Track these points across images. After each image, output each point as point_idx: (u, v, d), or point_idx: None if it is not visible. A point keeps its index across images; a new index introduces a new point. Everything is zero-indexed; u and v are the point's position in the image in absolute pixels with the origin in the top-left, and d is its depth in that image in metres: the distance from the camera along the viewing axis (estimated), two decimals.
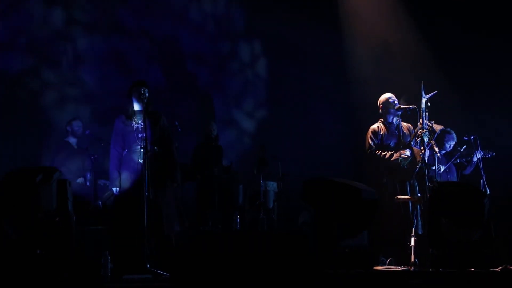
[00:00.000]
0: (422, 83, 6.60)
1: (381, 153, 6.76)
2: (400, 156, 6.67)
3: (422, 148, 6.50)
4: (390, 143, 6.86)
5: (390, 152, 6.75)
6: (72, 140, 8.23)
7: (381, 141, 6.86)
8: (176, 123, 8.11)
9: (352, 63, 9.25)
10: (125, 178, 6.19)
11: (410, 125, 6.99)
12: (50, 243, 4.89)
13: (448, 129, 7.66)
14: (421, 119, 6.56)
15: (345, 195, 5.58)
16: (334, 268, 5.42)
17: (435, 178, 6.58)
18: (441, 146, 7.47)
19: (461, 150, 7.81)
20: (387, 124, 6.93)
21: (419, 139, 6.58)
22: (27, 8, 8.91)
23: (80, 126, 8.20)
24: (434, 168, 6.74)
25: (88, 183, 7.98)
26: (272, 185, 8.51)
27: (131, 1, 9.36)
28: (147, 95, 6.22)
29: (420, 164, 6.51)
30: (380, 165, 6.77)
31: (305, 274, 5.37)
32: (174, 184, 6.35)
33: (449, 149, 7.73)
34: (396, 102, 6.95)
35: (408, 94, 7.45)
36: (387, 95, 7.01)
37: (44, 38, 8.99)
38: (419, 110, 6.57)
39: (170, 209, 6.28)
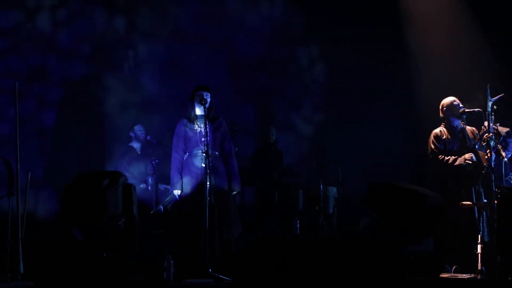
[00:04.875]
0: (487, 86, 6.43)
1: (444, 157, 6.62)
2: (465, 161, 6.51)
3: (488, 152, 6.32)
4: (453, 147, 6.71)
5: (454, 157, 6.60)
6: (136, 145, 8.38)
7: (444, 146, 6.71)
8: (236, 128, 8.16)
9: (413, 65, 9.08)
10: (186, 183, 6.25)
11: (474, 128, 6.82)
12: (115, 246, 4.96)
13: None
14: (486, 122, 6.38)
15: (410, 200, 5.48)
16: (399, 274, 5.33)
17: (503, 183, 6.39)
18: (505, 149, 7.27)
19: None
20: (450, 128, 6.78)
21: (485, 143, 6.40)
22: (90, 16, 9.13)
23: (143, 131, 8.34)
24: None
25: (149, 188, 8.09)
26: (332, 190, 8.45)
27: (190, 8, 9.46)
28: (209, 99, 6.27)
29: (486, 168, 6.34)
30: (444, 170, 6.62)
31: (369, 281, 5.30)
32: (234, 191, 6.37)
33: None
34: (460, 105, 6.79)
35: (471, 97, 7.28)
36: (450, 99, 6.85)
37: (106, 45, 9.20)
38: (485, 113, 6.40)
39: (230, 214, 6.29)
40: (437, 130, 6.80)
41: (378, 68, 9.42)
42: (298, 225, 7.71)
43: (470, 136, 6.75)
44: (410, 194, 5.54)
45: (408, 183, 5.90)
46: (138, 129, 8.35)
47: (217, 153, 6.31)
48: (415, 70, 9.08)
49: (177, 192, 6.25)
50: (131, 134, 8.38)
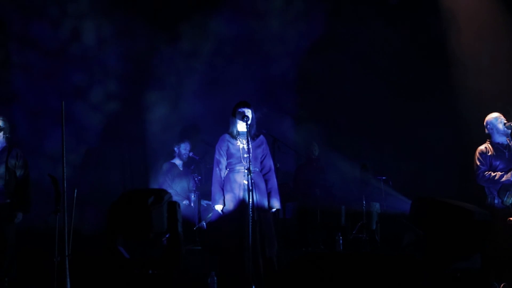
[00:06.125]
0: None
1: (490, 173, 6.53)
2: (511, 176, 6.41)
3: None
4: (499, 163, 6.61)
5: (500, 173, 6.51)
6: (178, 162, 8.46)
7: (490, 162, 6.62)
8: (277, 144, 8.17)
9: (459, 76, 8.94)
10: (228, 199, 6.25)
11: None
12: (161, 263, 5.00)
13: None
14: None
15: (456, 216, 5.39)
16: None
17: None
18: None
19: None
20: (495, 144, 6.69)
21: None
22: (133, 35, 9.28)
23: (188, 150, 8.41)
24: None
25: (192, 204, 8.15)
26: (375, 206, 8.39)
27: (230, 24, 9.52)
28: (250, 116, 6.28)
29: None
30: (491, 186, 6.54)
31: None
32: (274, 208, 6.35)
33: None
34: (505, 121, 6.69)
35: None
36: (494, 115, 6.76)
37: (148, 62, 9.33)
38: None
39: (270, 231, 6.28)
40: (482, 147, 6.72)
41: (422, 81, 9.33)
42: (341, 241, 7.67)
43: None
44: (456, 210, 5.45)
45: (453, 199, 5.80)
46: (184, 147, 8.42)
47: (257, 169, 6.30)
48: (460, 83, 8.95)
49: (219, 207, 6.25)
50: (175, 149, 8.46)
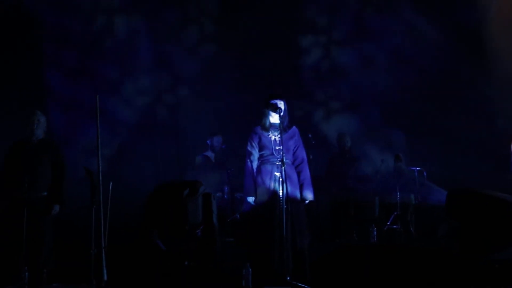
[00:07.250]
0: None
1: None
2: None
3: None
4: None
5: None
6: (211, 155, 8.51)
7: None
8: (310, 135, 8.14)
9: (494, 65, 8.80)
10: (261, 191, 6.23)
11: None
12: (196, 255, 5.03)
13: None
14: None
15: (493, 207, 5.32)
16: (482, 284, 5.18)
17: None
18: None
19: None
20: None
21: None
22: (162, 28, 9.34)
23: (220, 142, 8.46)
24: None
25: (225, 196, 8.18)
26: (410, 197, 8.32)
27: (261, 15, 9.48)
28: (283, 107, 6.25)
29: None
30: None
31: None
32: (307, 199, 6.32)
33: None
34: None
35: None
36: None
37: (178, 56, 9.38)
38: None
39: (302, 223, 6.26)
40: None
41: (455, 71, 9.20)
42: (375, 233, 7.61)
43: None
44: (493, 201, 5.38)
45: (490, 190, 5.72)
46: (217, 140, 8.47)
47: (289, 161, 6.27)
48: (495, 72, 8.80)
49: (251, 199, 6.24)
50: (208, 142, 8.52)
